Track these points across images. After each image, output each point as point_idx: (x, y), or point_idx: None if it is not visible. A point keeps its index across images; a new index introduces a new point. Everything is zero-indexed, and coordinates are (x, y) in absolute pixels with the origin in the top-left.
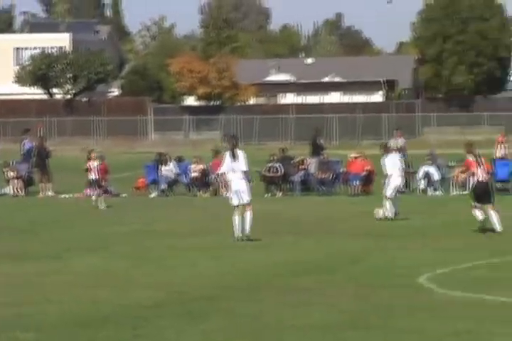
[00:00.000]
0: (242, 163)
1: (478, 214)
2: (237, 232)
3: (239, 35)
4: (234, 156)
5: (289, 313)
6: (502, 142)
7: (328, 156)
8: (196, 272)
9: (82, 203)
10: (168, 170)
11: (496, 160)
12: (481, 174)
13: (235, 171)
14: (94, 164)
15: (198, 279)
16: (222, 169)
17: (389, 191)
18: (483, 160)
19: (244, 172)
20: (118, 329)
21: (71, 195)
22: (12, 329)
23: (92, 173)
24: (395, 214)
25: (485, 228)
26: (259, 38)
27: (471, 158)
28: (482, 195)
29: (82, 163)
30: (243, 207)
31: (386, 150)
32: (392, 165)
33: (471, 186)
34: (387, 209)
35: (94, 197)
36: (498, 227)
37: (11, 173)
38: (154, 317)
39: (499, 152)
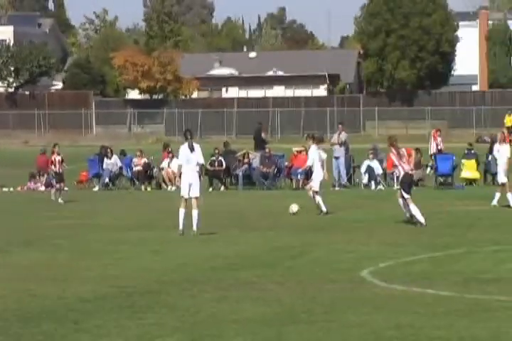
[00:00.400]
0: (198, 156)
1: (402, 205)
2: (181, 226)
3: (182, 29)
4: (191, 148)
5: (228, 307)
6: (436, 137)
7: (271, 150)
8: (138, 266)
9: (23, 196)
10: (112, 163)
11: (437, 155)
12: (404, 166)
13: (189, 163)
14: (57, 158)
15: (140, 273)
16: (179, 160)
17: (316, 185)
18: (405, 152)
19: (201, 165)
20: (59, 323)
21: (13, 189)
22: None
23: (55, 167)
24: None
25: (410, 220)
26: (203, 32)
27: (392, 152)
28: (409, 185)
29: (25, 157)
30: (190, 200)
31: (314, 141)
32: (315, 158)
33: (400, 178)
34: (321, 205)
35: (53, 191)
36: (422, 220)
37: None
38: (95, 311)
39: (434, 148)
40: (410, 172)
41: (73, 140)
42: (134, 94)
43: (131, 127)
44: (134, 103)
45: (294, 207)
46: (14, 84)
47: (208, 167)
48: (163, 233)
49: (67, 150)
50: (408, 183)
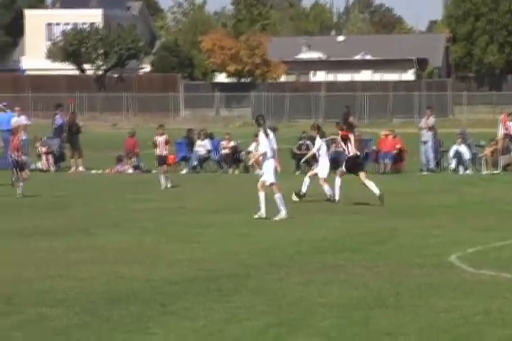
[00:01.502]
0: (274, 142)
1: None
2: (263, 210)
3: (270, 13)
4: (266, 134)
5: (315, 291)
6: (506, 121)
7: (361, 134)
8: (224, 249)
9: (111, 179)
10: (202, 145)
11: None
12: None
13: (270, 149)
14: (160, 139)
15: (226, 256)
16: (262, 148)
17: (324, 172)
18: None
19: (277, 150)
20: (147, 305)
21: (101, 171)
22: (39, 305)
23: (159, 149)
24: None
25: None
26: (291, 15)
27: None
28: (352, 167)
29: (113, 139)
30: (273, 186)
31: (318, 133)
32: (321, 148)
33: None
34: (332, 193)
35: (160, 174)
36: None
37: (43, 148)
38: (182, 294)
39: (502, 131)
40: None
41: (161, 123)
42: (221, 78)
43: (218, 110)
44: (222, 86)
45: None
46: (103, 67)
47: (296, 150)
48: (249, 216)
49: (155, 133)
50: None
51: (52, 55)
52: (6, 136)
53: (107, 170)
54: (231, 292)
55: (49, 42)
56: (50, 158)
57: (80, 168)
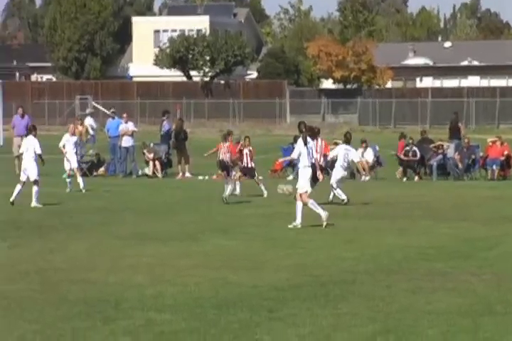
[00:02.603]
0: (314, 150)
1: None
2: (299, 219)
3: (376, 19)
4: (305, 142)
5: (423, 298)
6: None
7: (469, 140)
8: (331, 255)
9: (218, 185)
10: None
11: None
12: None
13: (303, 156)
14: (245, 150)
15: (333, 262)
16: (295, 155)
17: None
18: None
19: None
20: (254, 311)
21: (207, 177)
22: (148, 310)
23: (241, 161)
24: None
25: None
26: (397, 21)
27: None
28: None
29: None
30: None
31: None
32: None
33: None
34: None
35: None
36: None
37: (150, 155)
38: (289, 300)
39: None
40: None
41: (267, 129)
42: (327, 84)
43: (324, 117)
44: (328, 92)
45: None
46: (210, 74)
47: (402, 157)
48: (356, 222)
49: (262, 140)
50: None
51: (159, 61)
52: (114, 142)
53: (214, 176)
54: (338, 298)
55: (156, 49)
56: (158, 164)
57: (187, 174)
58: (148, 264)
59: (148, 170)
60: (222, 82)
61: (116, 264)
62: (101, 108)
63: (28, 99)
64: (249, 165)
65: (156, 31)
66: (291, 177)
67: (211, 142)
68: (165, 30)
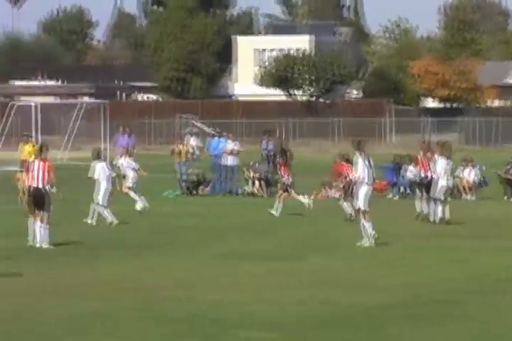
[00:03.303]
0: (373, 168)
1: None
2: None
3: (482, 38)
4: (365, 161)
5: None
6: None
7: None
8: (434, 274)
9: (320, 203)
10: (411, 170)
11: None
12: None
13: (368, 176)
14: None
15: (438, 281)
16: (358, 173)
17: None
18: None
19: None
20: (356, 331)
21: (310, 196)
22: (247, 328)
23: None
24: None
25: None
26: (502, 39)
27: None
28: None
29: (321, 164)
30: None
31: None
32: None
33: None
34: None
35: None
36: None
37: (252, 173)
38: (392, 319)
39: None
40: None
41: (369, 148)
42: (430, 103)
43: (427, 135)
44: (431, 111)
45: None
46: (312, 93)
47: (503, 175)
48: (462, 242)
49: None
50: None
51: (261, 80)
52: (216, 161)
53: (314, 195)
54: (443, 318)
55: (258, 68)
56: (260, 183)
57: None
58: (247, 282)
59: (249, 189)
60: (325, 101)
61: (216, 282)
62: (203, 127)
63: (131, 119)
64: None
65: (258, 50)
66: (392, 197)
67: (312, 161)
68: (267, 50)
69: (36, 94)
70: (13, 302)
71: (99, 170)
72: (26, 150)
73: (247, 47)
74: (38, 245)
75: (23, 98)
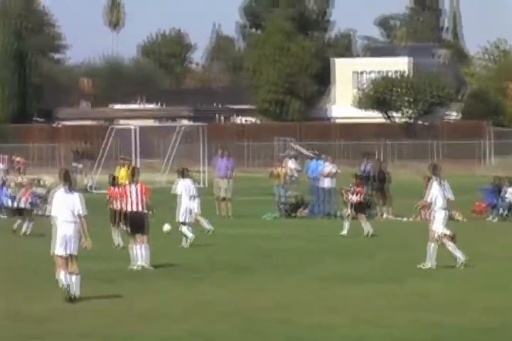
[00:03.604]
0: (450, 192)
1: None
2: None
3: None
4: (440, 184)
5: None
6: None
7: None
8: None
9: (418, 225)
10: (511, 192)
11: None
12: None
13: (443, 200)
14: None
15: None
16: (431, 198)
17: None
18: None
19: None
20: None
21: (409, 219)
22: None
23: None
24: None
25: None
26: None
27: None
28: None
29: (417, 186)
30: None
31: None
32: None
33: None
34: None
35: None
36: None
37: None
38: None
39: None
40: None
41: (468, 170)
42: None
43: None
44: None
45: (166, 227)
46: (411, 115)
47: None
48: None
49: (462, 180)
50: None
51: (359, 102)
52: (314, 183)
53: (413, 218)
54: None
55: (356, 90)
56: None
57: (387, 216)
58: (348, 305)
59: (347, 212)
60: (423, 122)
61: (316, 305)
62: (302, 149)
63: (230, 141)
64: None
65: (356, 72)
66: (491, 219)
67: (411, 183)
68: (365, 72)
69: (135, 117)
70: (113, 324)
71: (182, 187)
72: (122, 173)
73: (345, 69)
74: (139, 264)
75: (122, 121)
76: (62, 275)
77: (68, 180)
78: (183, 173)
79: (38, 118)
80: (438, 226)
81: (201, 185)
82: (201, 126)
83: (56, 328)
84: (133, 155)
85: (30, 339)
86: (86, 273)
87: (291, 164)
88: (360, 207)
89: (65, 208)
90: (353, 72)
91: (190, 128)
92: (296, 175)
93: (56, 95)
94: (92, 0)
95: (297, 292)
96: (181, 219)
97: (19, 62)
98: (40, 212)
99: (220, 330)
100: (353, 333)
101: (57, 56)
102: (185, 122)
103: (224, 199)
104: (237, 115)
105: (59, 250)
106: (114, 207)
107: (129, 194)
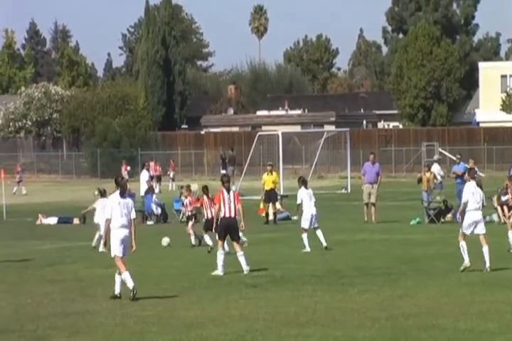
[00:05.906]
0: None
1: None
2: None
3: None
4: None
5: None
6: None
7: None
8: None
9: None
10: None
11: None
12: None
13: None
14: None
15: None
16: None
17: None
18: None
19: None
20: None
21: None
22: None
23: None
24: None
25: None
26: None
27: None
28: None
29: None
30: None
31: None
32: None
33: None
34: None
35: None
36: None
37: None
38: None
39: None
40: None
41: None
42: None
43: None
44: None
45: (165, 241)
46: None
47: None
48: None
49: None
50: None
51: (506, 106)
52: (460, 187)
53: None
54: None
55: (503, 95)
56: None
57: None
58: (498, 311)
59: (498, 217)
60: None
61: (466, 311)
62: (447, 154)
63: (375, 147)
64: None
65: (504, 76)
66: None
67: None
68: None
69: (280, 123)
70: (262, 329)
71: (302, 197)
72: (269, 180)
73: (491, 73)
74: (245, 272)
75: (266, 127)
76: (127, 275)
77: (123, 186)
78: (304, 182)
79: (184, 125)
80: (464, 225)
81: (343, 191)
82: (344, 131)
83: (208, 333)
84: (278, 161)
85: None
86: (230, 279)
87: (436, 169)
88: None
89: (119, 213)
90: (501, 76)
91: (334, 134)
92: (440, 179)
93: (201, 102)
94: (237, 7)
95: (447, 298)
96: (303, 226)
97: (165, 70)
98: (183, 219)
99: (368, 336)
100: (504, 339)
101: (202, 63)
102: (330, 128)
103: (371, 204)
104: (383, 120)
105: (118, 251)
106: (209, 215)
107: (226, 200)
